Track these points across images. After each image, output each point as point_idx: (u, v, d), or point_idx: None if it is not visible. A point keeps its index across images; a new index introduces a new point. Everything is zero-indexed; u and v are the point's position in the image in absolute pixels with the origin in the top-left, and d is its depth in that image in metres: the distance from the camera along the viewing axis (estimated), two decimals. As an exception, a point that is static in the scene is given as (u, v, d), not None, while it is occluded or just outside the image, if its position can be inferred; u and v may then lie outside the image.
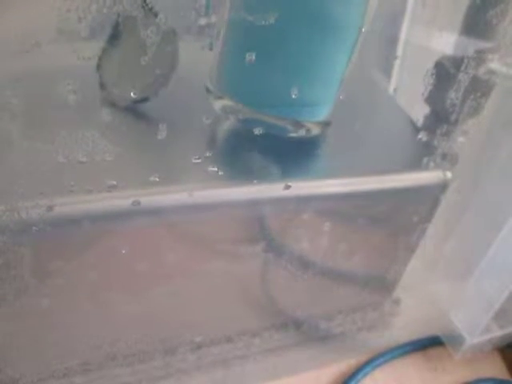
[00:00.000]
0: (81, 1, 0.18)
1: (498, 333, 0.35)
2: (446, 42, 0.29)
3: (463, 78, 0.26)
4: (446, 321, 0.36)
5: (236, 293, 0.29)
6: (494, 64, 0.27)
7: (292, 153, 0.27)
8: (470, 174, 0.31)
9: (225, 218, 0.25)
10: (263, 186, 0.24)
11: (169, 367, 0.30)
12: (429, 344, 0.37)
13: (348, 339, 0.36)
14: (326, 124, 0.27)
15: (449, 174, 0.29)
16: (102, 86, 0.24)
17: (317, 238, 0.28)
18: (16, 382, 0.26)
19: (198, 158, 0.23)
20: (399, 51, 0.32)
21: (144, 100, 0.25)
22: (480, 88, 0.27)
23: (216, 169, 0.23)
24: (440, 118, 0.28)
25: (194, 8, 0.20)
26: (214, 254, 0.26)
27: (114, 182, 0.21)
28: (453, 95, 0.27)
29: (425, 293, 0.37)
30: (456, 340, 0.36)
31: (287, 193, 0.24)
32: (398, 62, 0.32)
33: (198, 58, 0.26)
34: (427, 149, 0.28)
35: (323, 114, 0.26)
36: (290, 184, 0.24)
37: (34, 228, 0.20)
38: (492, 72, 0.27)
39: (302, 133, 0.26)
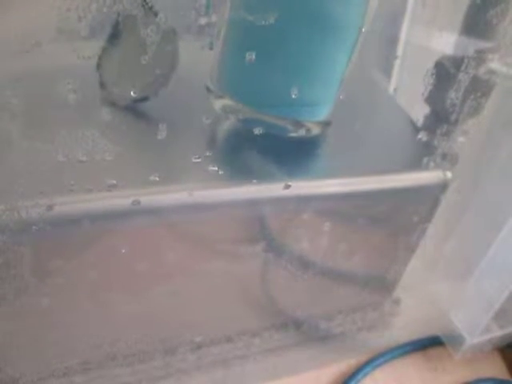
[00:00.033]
0: (81, 0, 0.18)
1: (497, 333, 0.35)
2: (446, 42, 0.29)
3: (463, 78, 0.26)
4: (446, 321, 0.36)
5: (236, 293, 0.29)
6: (494, 64, 0.27)
7: (292, 153, 0.27)
8: (470, 174, 0.31)
9: (225, 217, 0.25)
10: (263, 185, 0.24)
11: (169, 367, 0.30)
12: (429, 344, 0.37)
13: (348, 339, 0.36)
14: (326, 124, 0.27)
15: (449, 174, 0.29)
16: (102, 85, 0.24)
17: (317, 237, 0.28)
18: (16, 382, 0.26)
19: (198, 158, 0.23)
20: (399, 51, 0.32)
21: (144, 99, 0.25)
22: (480, 88, 0.27)
23: (216, 168, 0.23)
24: (440, 117, 0.28)
25: (194, 7, 0.20)
26: (213, 253, 0.26)
27: (114, 182, 0.21)
28: (453, 95, 0.27)
29: (425, 293, 0.37)
30: (456, 340, 0.36)
31: (287, 193, 0.24)
32: (398, 62, 0.32)
33: (198, 58, 0.26)
34: (427, 149, 0.28)
35: (323, 113, 0.26)
36: (289, 184, 0.24)
37: (33, 227, 0.20)
38: (492, 72, 0.27)
39: (302, 133, 0.26)
